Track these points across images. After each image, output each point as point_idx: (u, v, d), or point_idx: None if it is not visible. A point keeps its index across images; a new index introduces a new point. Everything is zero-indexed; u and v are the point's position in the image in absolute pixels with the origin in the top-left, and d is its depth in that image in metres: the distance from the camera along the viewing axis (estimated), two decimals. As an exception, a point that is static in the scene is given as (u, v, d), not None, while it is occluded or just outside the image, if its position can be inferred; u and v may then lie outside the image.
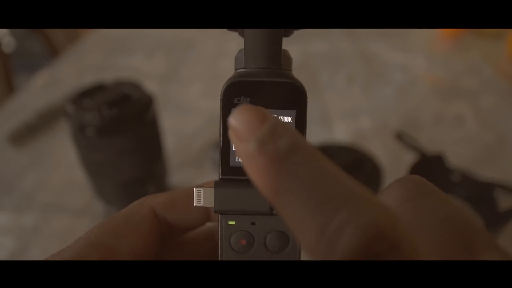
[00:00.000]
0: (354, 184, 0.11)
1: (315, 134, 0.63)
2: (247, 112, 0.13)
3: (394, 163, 0.56)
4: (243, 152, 0.13)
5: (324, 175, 0.12)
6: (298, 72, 0.17)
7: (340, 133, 0.65)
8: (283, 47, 0.17)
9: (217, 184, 0.17)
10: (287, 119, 0.17)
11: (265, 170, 0.12)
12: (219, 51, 0.92)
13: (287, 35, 0.18)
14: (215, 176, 0.18)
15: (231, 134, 0.13)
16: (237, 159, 0.17)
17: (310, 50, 0.91)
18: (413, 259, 0.10)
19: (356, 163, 0.44)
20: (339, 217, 0.11)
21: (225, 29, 0.18)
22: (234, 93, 0.17)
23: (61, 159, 0.61)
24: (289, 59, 0.18)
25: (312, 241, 0.11)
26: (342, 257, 0.10)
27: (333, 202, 0.11)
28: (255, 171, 0.12)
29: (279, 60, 0.17)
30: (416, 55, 0.89)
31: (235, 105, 0.17)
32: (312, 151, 0.12)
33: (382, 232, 0.10)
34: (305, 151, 0.12)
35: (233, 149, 0.17)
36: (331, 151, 0.45)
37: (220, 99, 0.17)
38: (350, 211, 0.11)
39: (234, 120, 0.13)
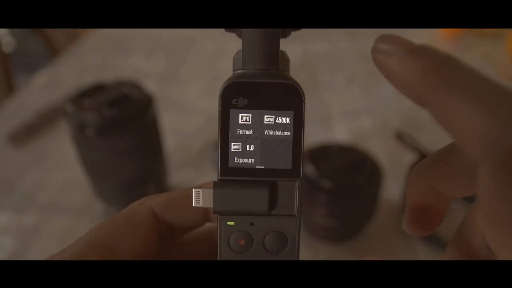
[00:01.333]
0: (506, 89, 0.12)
1: (315, 134, 0.63)
2: (393, 37, 0.14)
3: (394, 163, 0.56)
4: (395, 62, 0.14)
5: (483, 76, 0.12)
6: (298, 72, 0.17)
7: (340, 133, 0.65)
8: (281, 48, 0.17)
9: (216, 185, 0.17)
10: (285, 120, 0.17)
11: (426, 71, 0.13)
12: (219, 51, 0.92)
13: (284, 36, 0.18)
14: (215, 176, 0.18)
15: (376, 55, 0.14)
16: (235, 160, 0.17)
17: (310, 50, 0.91)
18: None
19: (356, 163, 0.44)
20: (505, 112, 0.11)
21: (225, 30, 0.18)
22: (232, 94, 0.17)
23: (61, 159, 0.61)
24: (286, 60, 0.18)
25: (483, 130, 0.12)
26: (506, 157, 0.11)
27: (501, 95, 0.12)
28: (411, 75, 0.13)
29: (276, 61, 0.17)
30: (416, 55, 0.88)
31: (233, 106, 0.17)
32: (466, 64, 0.13)
33: None
34: (460, 61, 0.13)
35: (232, 149, 0.17)
36: (331, 151, 0.46)
37: (218, 100, 0.17)
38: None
39: (381, 42, 0.15)
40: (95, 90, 0.44)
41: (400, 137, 0.53)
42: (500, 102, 0.12)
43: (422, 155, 0.50)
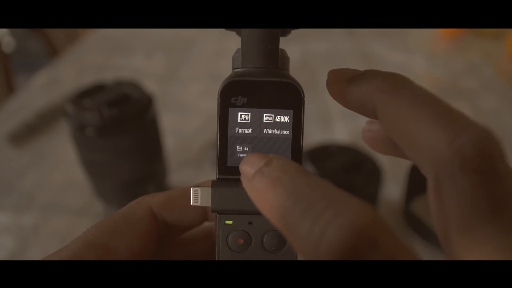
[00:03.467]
0: (336, 189, 0.13)
1: (315, 134, 0.63)
2: (252, 155, 0.15)
3: (394, 163, 0.56)
4: (246, 181, 0.15)
5: (308, 186, 0.13)
6: (298, 72, 0.17)
7: (340, 133, 0.65)
8: (281, 46, 0.17)
9: (214, 184, 0.17)
10: (284, 118, 0.17)
11: (261, 188, 0.14)
12: (219, 51, 0.92)
13: (284, 34, 0.18)
14: (215, 176, 0.18)
15: (242, 177, 0.15)
16: (234, 158, 0.17)
17: (310, 50, 0.91)
18: (393, 254, 0.11)
19: (356, 163, 0.44)
20: (323, 219, 0.12)
21: (225, 29, 0.18)
22: (231, 93, 0.17)
23: (61, 159, 0.61)
24: (286, 59, 0.18)
25: (302, 243, 0.12)
26: (328, 255, 0.12)
27: (317, 207, 0.12)
28: (254, 192, 0.15)
29: (276, 59, 0.17)
30: (416, 55, 0.89)
31: (232, 105, 0.17)
32: (299, 169, 0.14)
33: (361, 229, 0.11)
34: (291, 170, 0.14)
35: (230, 148, 0.17)
36: (331, 151, 0.45)
37: (217, 98, 0.17)
38: (332, 213, 0.12)
39: (242, 164, 0.15)
40: (95, 90, 0.44)
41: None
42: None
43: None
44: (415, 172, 0.49)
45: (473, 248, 0.12)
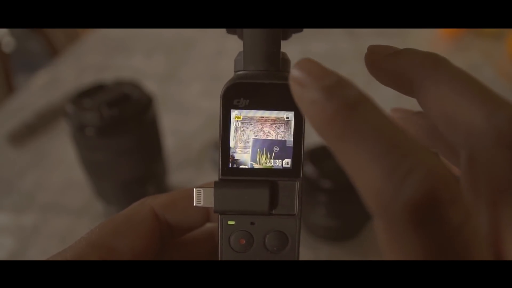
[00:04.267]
0: (417, 140, 0.12)
1: (315, 134, 0.63)
2: (311, 63, 0.13)
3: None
4: (308, 99, 0.13)
5: (390, 125, 0.12)
6: (298, 72, 0.17)
7: (340, 133, 0.65)
8: (282, 48, 0.17)
9: (217, 185, 0.17)
10: (286, 120, 0.17)
11: (332, 116, 0.12)
12: (219, 51, 0.92)
13: (285, 38, 0.18)
14: (215, 176, 0.18)
15: (293, 85, 0.13)
16: (236, 159, 0.17)
17: (310, 50, 0.91)
18: (466, 218, 0.11)
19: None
20: (407, 162, 0.11)
21: (226, 32, 0.18)
22: (234, 95, 0.17)
23: (61, 159, 0.61)
24: (287, 61, 0.18)
25: (377, 185, 0.11)
26: (408, 201, 0.11)
27: (401, 149, 0.11)
28: (319, 118, 0.13)
29: (277, 62, 0.17)
30: (416, 55, 0.88)
31: (234, 107, 0.17)
32: (378, 106, 0.13)
33: (445, 183, 0.11)
34: (372, 103, 0.13)
35: (233, 149, 0.17)
36: (331, 151, 0.45)
37: (220, 100, 0.17)
38: (417, 159, 0.11)
39: (297, 69, 0.13)
40: (95, 90, 0.44)
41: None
42: (397, 159, 0.11)
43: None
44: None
45: (507, 221, 0.12)
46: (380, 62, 0.16)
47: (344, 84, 0.13)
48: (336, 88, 0.12)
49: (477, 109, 0.13)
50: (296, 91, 0.13)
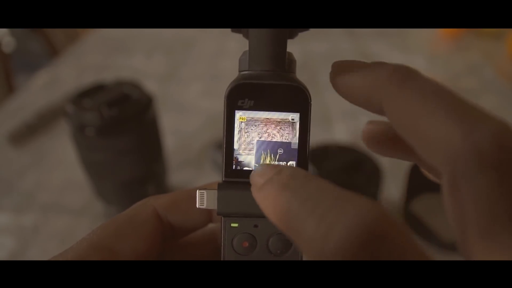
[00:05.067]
0: (342, 190, 0.13)
1: (315, 134, 0.63)
2: (264, 166, 0.16)
3: (394, 163, 0.56)
4: (256, 190, 0.15)
5: (317, 188, 0.14)
6: (298, 72, 0.17)
7: (340, 133, 0.65)
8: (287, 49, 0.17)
9: (220, 187, 0.17)
10: (291, 122, 0.17)
11: (271, 194, 0.14)
12: (219, 51, 0.92)
13: (291, 37, 0.18)
14: (215, 176, 0.18)
15: (252, 188, 0.16)
16: (240, 161, 0.17)
17: (310, 50, 0.91)
18: (403, 250, 0.11)
19: (356, 163, 0.44)
20: (329, 217, 0.12)
21: (225, 29, 0.18)
22: (238, 95, 0.17)
23: (61, 159, 0.61)
24: (293, 62, 0.18)
25: (308, 243, 0.12)
26: (334, 254, 0.12)
27: (323, 206, 0.12)
28: (263, 199, 0.15)
29: (283, 62, 0.17)
30: (416, 55, 0.89)
31: (239, 107, 0.17)
32: (308, 175, 0.14)
33: (369, 226, 0.11)
34: (301, 176, 0.14)
35: (237, 151, 0.17)
36: (331, 151, 0.45)
37: (224, 101, 0.17)
38: (338, 211, 0.12)
39: (252, 175, 0.16)
40: (95, 90, 0.44)
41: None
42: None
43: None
44: (415, 172, 0.49)
45: (493, 255, 0.11)
46: (346, 82, 0.16)
47: (279, 170, 0.15)
48: (273, 176, 0.15)
49: (453, 127, 0.12)
50: (254, 194, 0.15)
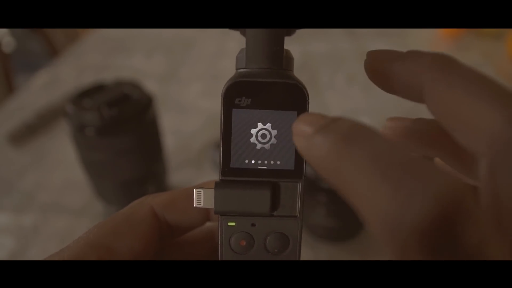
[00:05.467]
0: (420, 157, 0.11)
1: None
2: (309, 114, 0.14)
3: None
4: (305, 139, 0.13)
5: (388, 148, 0.12)
6: (298, 72, 0.17)
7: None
8: (284, 46, 0.17)
9: (218, 185, 0.17)
10: (289, 120, 0.17)
11: (329, 151, 0.12)
12: (219, 51, 0.92)
13: (289, 34, 0.18)
14: (215, 176, 0.18)
15: (294, 135, 0.14)
16: (237, 160, 0.17)
17: (310, 50, 0.91)
18: (487, 235, 0.10)
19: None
20: (410, 184, 0.10)
21: (225, 29, 0.18)
22: (235, 94, 0.16)
23: (61, 159, 0.61)
24: (290, 59, 0.18)
25: (380, 210, 0.11)
26: (414, 225, 0.10)
27: (402, 171, 0.11)
28: (319, 157, 0.13)
29: (281, 60, 0.17)
30: (416, 55, 0.88)
31: (236, 106, 0.17)
32: (374, 130, 0.12)
33: (456, 200, 0.10)
34: (366, 129, 0.12)
35: (234, 149, 0.17)
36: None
37: (221, 99, 0.17)
38: (422, 178, 0.11)
39: (297, 121, 0.14)
40: (95, 90, 0.44)
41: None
42: (398, 180, 0.11)
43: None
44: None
45: None
46: (383, 69, 0.15)
47: (337, 119, 0.13)
48: (329, 124, 0.13)
49: (498, 113, 0.12)
50: (300, 143, 0.14)
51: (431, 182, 0.10)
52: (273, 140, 0.17)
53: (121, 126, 0.42)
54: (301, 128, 0.13)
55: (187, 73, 0.85)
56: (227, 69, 0.81)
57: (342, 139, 0.12)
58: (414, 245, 0.10)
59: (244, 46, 0.17)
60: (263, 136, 0.17)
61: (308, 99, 0.17)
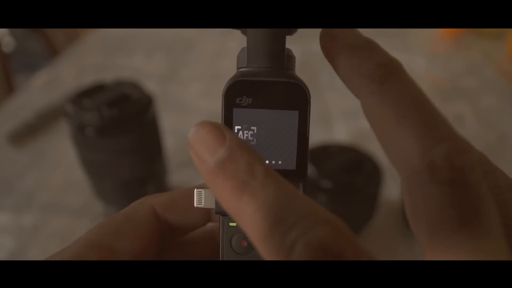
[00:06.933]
0: (307, 202, 0.13)
1: (315, 134, 0.63)
2: (206, 132, 0.14)
3: (394, 163, 0.56)
4: (205, 171, 0.13)
5: (278, 197, 0.13)
6: (298, 71, 0.16)
7: (340, 133, 0.65)
8: (286, 46, 0.17)
9: None
10: (290, 120, 0.17)
11: (225, 189, 0.13)
12: (219, 51, 0.92)
13: (290, 33, 0.18)
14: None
15: (191, 153, 0.14)
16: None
17: (310, 50, 0.91)
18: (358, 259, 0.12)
19: (356, 163, 0.44)
20: (291, 235, 0.12)
21: (226, 29, 0.18)
22: (236, 93, 0.16)
23: (61, 159, 0.61)
24: (292, 58, 0.17)
25: (273, 253, 0.12)
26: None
27: (286, 222, 0.12)
28: (216, 189, 0.13)
29: (282, 59, 0.17)
30: (416, 55, 0.89)
31: (237, 105, 0.16)
32: (269, 172, 0.13)
33: (326, 246, 0.12)
34: (262, 173, 0.13)
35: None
36: (331, 151, 0.45)
37: (222, 98, 0.16)
38: (300, 230, 0.12)
39: (193, 140, 0.14)
40: (95, 90, 0.44)
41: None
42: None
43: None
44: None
45: (441, 253, 0.12)
46: (333, 51, 0.15)
47: (234, 156, 0.13)
48: (226, 162, 0.13)
49: (415, 141, 0.13)
50: (194, 160, 0.14)
51: (304, 232, 0.12)
52: (274, 140, 0.17)
53: (121, 126, 0.42)
54: (201, 154, 0.13)
55: (187, 73, 0.85)
56: (228, 69, 0.81)
57: (239, 188, 0.13)
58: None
59: (245, 45, 0.17)
60: (264, 136, 0.17)
61: (310, 98, 0.17)
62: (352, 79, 0.15)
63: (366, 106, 0.15)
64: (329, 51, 0.16)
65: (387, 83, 0.14)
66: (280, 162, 0.17)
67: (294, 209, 0.13)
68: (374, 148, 0.58)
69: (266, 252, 0.13)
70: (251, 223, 0.13)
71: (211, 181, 0.13)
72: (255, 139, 0.17)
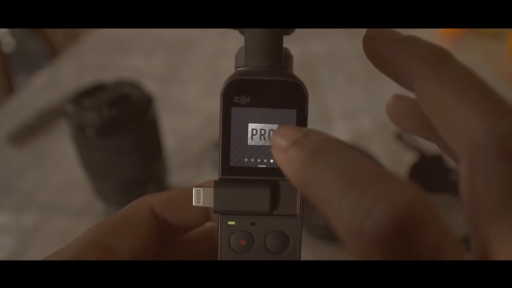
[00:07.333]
0: (383, 168, 0.12)
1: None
2: (286, 129, 0.14)
3: (394, 163, 0.56)
4: (279, 152, 0.14)
5: (353, 161, 0.12)
6: (298, 72, 0.17)
7: (340, 133, 0.65)
8: (284, 45, 0.17)
9: (217, 184, 0.17)
10: (288, 118, 0.17)
11: (298, 161, 0.13)
12: (219, 51, 0.92)
13: (288, 33, 0.18)
14: (215, 176, 0.17)
15: (273, 149, 0.14)
16: (237, 158, 0.17)
17: (310, 50, 0.91)
18: (439, 240, 0.11)
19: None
20: (371, 194, 0.11)
21: (225, 29, 0.18)
22: (234, 92, 0.16)
23: (61, 159, 0.61)
24: (290, 58, 0.18)
25: (345, 218, 0.12)
26: (373, 232, 0.11)
27: (365, 181, 0.12)
28: (290, 168, 0.13)
29: (280, 58, 0.17)
30: (416, 55, 0.88)
31: (235, 104, 0.16)
32: (341, 144, 0.13)
33: (411, 208, 0.11)
34: (334, 143, 0.13)
35: (233, 148, 0.17)
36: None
37: (220, 97, 0.17)
38: (381, 189, 0.11)
39: (275, 136, 0.14)
40: (95, 90, 0.44)
41: (400, 137, 0.53)
42: (360, 192, 0.12)
43: (422, 155, 0.50)
44: (415, 172, 0.49)
45: (503, 241, 0.11)
46: (378, 50, 0.15)
47: (308, 133, 0.14)
48: (301, 139, 0.13)
49: (479, 118, 0.12)
50: (276, 156, 0.14)
51: (388, 192, 0.11)
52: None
53: (121, 126, 0.42)
54: (277, 141, 0.14)
55: (187, 73, 0.85)
56: (227, 69, 0.81)
57: (312, 154, 0.13)
58: (375, 251, 0.11)
59: (243, 45, 0.17)
60: (263, 134, 0.17)
61: (308, 97, 0.17)
62: (404, 68, 0.14)
63: (421, 91, 0.14)
64: (374, 51, 0.15)
65: (441, 64, 0.14)
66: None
67: (373, 172, 0.12)
68: (374, 148, 0.58)
69: (336, 218, 0.12)
70: (322, 186, 0.12)
71: (284, 158, 0.14)
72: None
